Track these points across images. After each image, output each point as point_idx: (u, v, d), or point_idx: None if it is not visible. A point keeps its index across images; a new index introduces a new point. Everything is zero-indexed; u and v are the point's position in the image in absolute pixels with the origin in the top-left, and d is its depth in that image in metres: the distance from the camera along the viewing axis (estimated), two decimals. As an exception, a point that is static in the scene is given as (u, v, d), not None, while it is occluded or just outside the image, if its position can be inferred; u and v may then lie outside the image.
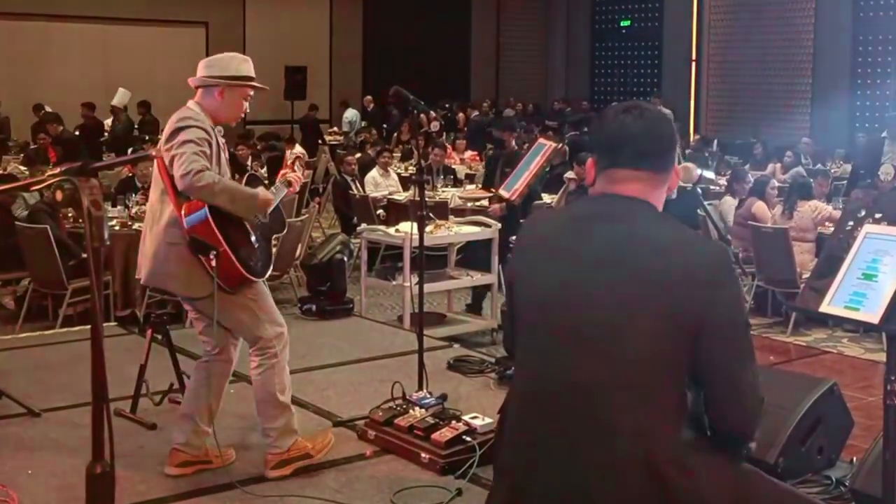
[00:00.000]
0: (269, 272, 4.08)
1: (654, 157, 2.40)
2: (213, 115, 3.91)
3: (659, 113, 2.45)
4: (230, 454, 4.17)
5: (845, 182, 12.09)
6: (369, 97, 19.12)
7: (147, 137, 14.64)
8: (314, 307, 6.99)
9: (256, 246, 3.96)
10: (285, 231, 5.79)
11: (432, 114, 4.84)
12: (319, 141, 17.16)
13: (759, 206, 8.45)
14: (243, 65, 3.98)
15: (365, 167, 11.10)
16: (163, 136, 3.88)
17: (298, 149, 13.17)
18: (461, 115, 18.38)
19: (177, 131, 3.78)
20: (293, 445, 4.06)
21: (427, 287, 5.53)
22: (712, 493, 2.24)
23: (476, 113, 18.74)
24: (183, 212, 3.76)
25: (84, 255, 7.16)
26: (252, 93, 4.03)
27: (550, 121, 18.35)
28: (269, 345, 3.97)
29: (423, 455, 4.14)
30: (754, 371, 2.32)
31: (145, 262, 3.92)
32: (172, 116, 3.90)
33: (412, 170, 11.45)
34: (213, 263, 3.73)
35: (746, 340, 2.32)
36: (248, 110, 4.09)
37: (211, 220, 3.74)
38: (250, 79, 3.99)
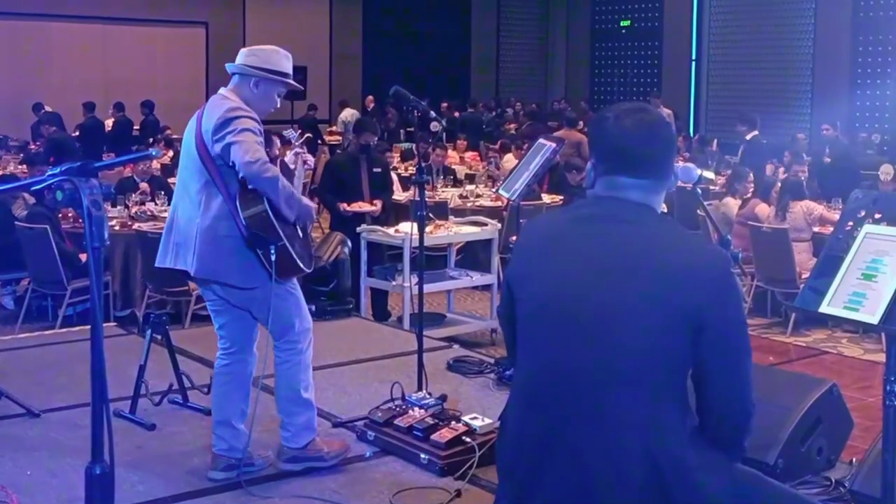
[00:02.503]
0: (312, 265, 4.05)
1: (654, 164, 2.42)
2: (245, 104, 3.86)
3: (659, 116, 2.46)
4: (269, 455, 4.14)
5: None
6: (371, 97, 19.13)
7: (152, 139, 14.65)
8: (314, 307, 6.98)
9: (302, 237, 3.97)
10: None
11: (432, 114, 4.83)
12: (319, 141, 17.16)
13: (761, 208, 8.45)
14: (283, 61, 3.95)
15: (329, 162, 11.05)
16: (205, 126, 3.78)
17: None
18: (456, 113, 18.42)
19: (230, 120, 3.72)
20: (310, 444, 4.06)
21: (427, 287, 5.53)
22: (711, 491, 2.26)
23: (471, 110, 18.79)
24: (239, 205, 3.73)
25: (83, 259, 7.17)
26: (285, 90, 4.00)
27: (550, 121, 18.34)
28: (296, 339, 3.97)
29: (422, 456, 4.14)
30: (751, 372, 2.36)
31: (188, 255, 3.80)
32: (214, 106, 3.81)
33: (412, 170, 11.44)
34: (273, 258, 3.74)
35: (747, 340, 2.36)
36: (278, 106, 4.06)
37: (270, 214, 3.74)
38: (287, 75, 3.95)
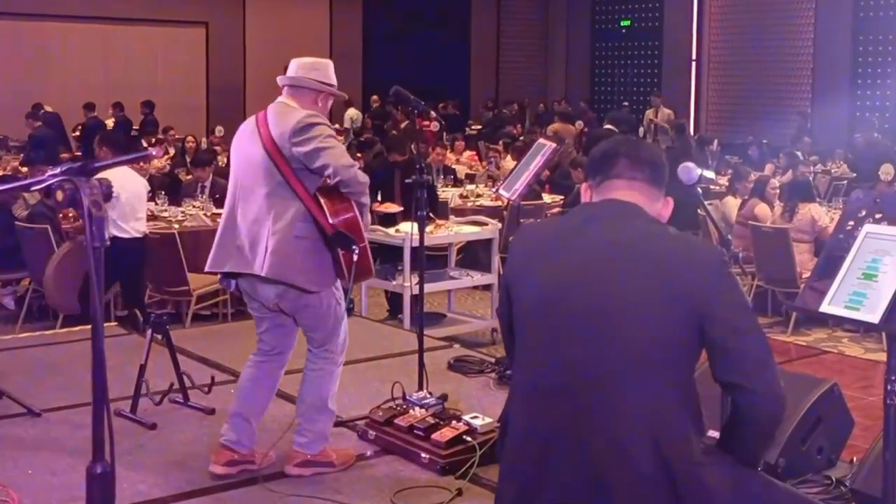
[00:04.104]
0: None
1: (648, 167, 2.48)
2: None
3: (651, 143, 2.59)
4: (271, 456, 4.13)
5: (845, 182, 12.11)
6: (375, 96, 19.16)
7: (154, 139, 14.64)
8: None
9: None
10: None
11: (432, 114, 4.84)
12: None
13: (761, 208, 8.46)
14: (334, 74, 4.04)
15: (366, 167, 11.14)
16: (277, 130, 3.78)
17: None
18: (456, 112, 18.49)
19: (312, 125, 3.77)
20: (322, 451, 4.07)
21: (427, 287, 5.53)
22: (716, 487, 2.27)
23: (505, 111, 19.07)
24: (326, 206, 3.77)
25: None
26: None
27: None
28: (336, 349, 4.01)
29: (423, 455, 4.14)
30: (771, 357, 2.36)
31: (257, 257, 3.80)
32: (282, 112, 3.83)
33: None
34: (355, 258, 3.77)
35: (756, 322, 2.37)
36: None
37: (358, 216, 3.81)
38: (336, 88, 4.05)
